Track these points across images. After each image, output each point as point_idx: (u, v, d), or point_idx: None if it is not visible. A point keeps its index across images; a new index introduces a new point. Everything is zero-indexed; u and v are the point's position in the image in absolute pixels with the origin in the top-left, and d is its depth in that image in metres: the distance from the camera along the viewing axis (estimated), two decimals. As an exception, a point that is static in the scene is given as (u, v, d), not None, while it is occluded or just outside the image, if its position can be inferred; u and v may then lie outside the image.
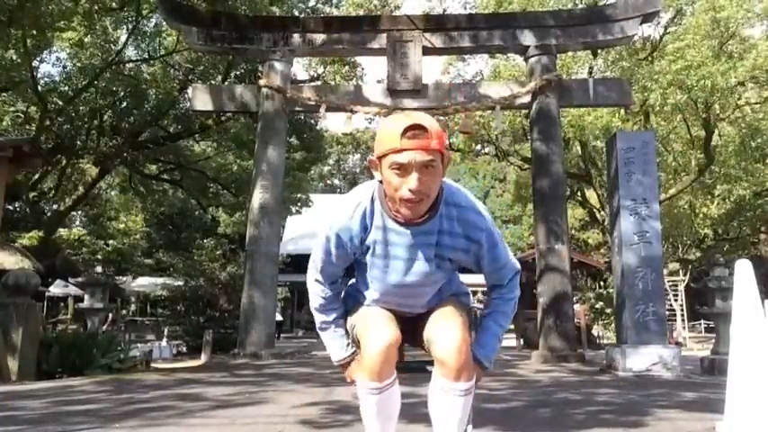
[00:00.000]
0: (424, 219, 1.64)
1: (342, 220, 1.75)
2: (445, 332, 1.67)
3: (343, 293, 1.99)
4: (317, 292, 1.92)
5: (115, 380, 6.52)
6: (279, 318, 17.27)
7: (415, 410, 3.27)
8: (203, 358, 12.43)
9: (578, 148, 18.50)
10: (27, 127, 15.85)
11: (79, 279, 12.86)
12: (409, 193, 1.54)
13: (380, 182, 1.64)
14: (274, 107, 10.04)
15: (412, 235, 1.68)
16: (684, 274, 22.51)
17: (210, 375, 6.71)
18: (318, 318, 1.96)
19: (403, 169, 1.52)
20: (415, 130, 1.50)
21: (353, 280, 2.00)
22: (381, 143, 1.56)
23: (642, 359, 7.13)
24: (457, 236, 1.70)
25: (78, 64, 15.32)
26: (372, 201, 1.70)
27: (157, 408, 4.16)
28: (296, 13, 15.66)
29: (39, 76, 15.30)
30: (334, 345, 1.96)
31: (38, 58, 15.03)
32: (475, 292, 17.40)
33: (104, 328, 10.83)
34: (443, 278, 1.84)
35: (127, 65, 15.89)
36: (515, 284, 1.88)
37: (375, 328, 1.71)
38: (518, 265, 1.89)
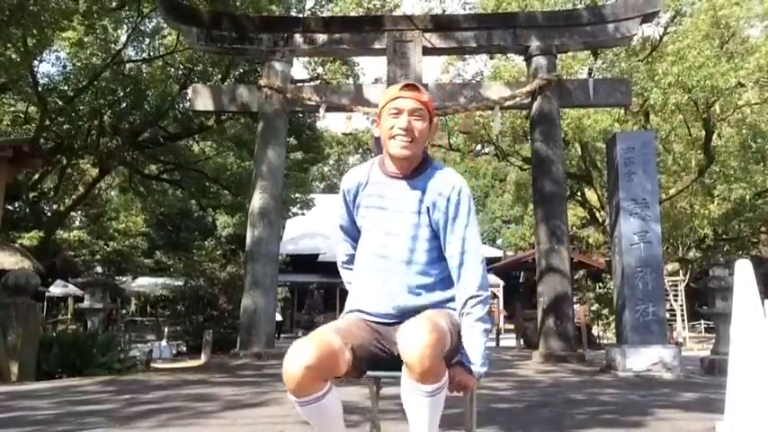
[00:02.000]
0: (412, 174, 1.90)
1: (349, 174, 2.04)
2: (411, 332, 1.62)
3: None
4: (340, 249, 2.15)
5: (117, 380, 6.52)
6: (279, 318, 17.28)
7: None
8: (203, 358, 12.43)
9: (578, 148, 18.51)
10: (27, 127, 15.85)
11: (79, 279, 12.88)
12: (400, 130, 1.83)
13: (379, 142, 1.95)
14: (274, 107, 10.04)
15: (401, 188, 1.90)
16: (684, 274, 22.51)
17: (211, 376, 6.71)
18: (343, 276, 2.16)
19: (398, 112, 1.85)
20: (412, 87, 1.88)
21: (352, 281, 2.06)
22: (384, 99, 1.90)
23: (642, 359, 7.13)
24: (432, 191, 1.88)
25: (78, 64, 15.32)
26: (373, 164, 2.00)
27: (166, 409, 4.16)
28: (296, 13, 15.67)
29: (38, 75, 15.29)
30: None
31: (38, 58, 15.03)
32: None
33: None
34: (425, 250, 1.89)
35: (127, 65, 15.89)
36: (479, 281, 1.85)
37: (305, 340, 1.68)
38: (482, 253, 1.90)
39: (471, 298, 1.84)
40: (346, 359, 1.69)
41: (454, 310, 1.89)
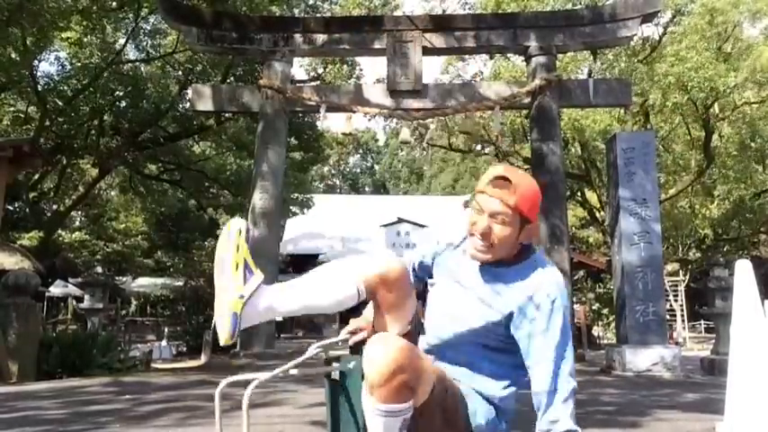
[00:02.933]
0: (499, 264, 1.65)
1: (449, 234, 1.88)
2: (380, 341, 1.48)
3: None
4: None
5: (120, 380, 6.52)
6: (279, 318, 17.25)
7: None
8: (203, 358, 12.44)
9: (578, 148, 18.51)
10: (27, 127, 15.84)
11: (79, 279, 12.88)
12: (477, 234, 1.61)
13: None
14: (274, 107, 10.04)
15: (479, 269, 1.68)
16: (684, 274, 22.51)
17: (213, 376, 6.71)
18: None
19: (479, 210, 1.61)
20: (502, 181, 1.58)
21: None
22: (479, 183, 1.69)
23: (642, 359, 7.14)
24: (521, 292, 1.60)
25: (78, 64, 15.32)
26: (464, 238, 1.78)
27: (173, 409, 4.16)
28: (296, 13, 15.67)
29: (38, 75, 15.30)
30: None
31: (37, 58, 15.03)
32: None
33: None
34: (488, 359, 1.66)
35: (126, 65, 15.89)
36: (560, 408, 1.55)
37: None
38: (574, 382, 1.57)
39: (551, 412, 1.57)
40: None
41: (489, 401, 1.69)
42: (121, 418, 3.72)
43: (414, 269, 1.92)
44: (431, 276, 1.88)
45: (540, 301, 1.57)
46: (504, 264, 1.64)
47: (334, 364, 1.73)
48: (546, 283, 1.59)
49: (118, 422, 3.55)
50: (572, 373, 1.56)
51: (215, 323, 1.60)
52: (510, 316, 1.59)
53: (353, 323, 1.88)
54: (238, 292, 1.60)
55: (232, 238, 1.63)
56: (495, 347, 1.65)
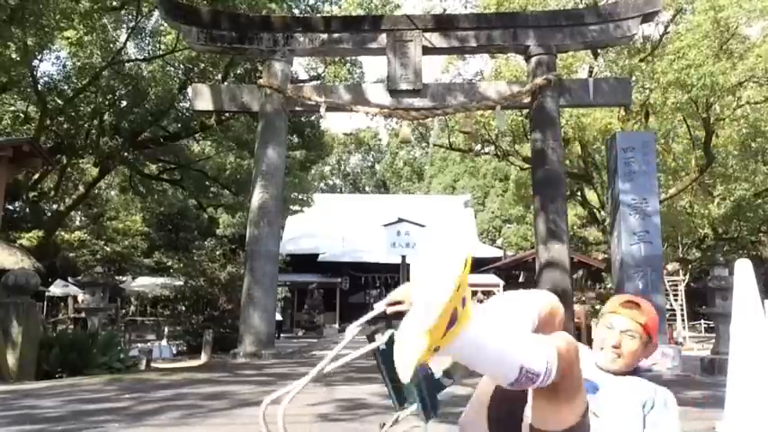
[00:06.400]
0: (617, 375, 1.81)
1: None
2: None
3: None
4: None
5: (121, 379, 6.52)
6: (279, 318, 17.28)
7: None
8: (203, 358, 12.44)
9: (578, 148, 18.51)
10: (27, 126, 15.84)
11: (79, 279, 12.88)
12: (609, 346, 1.79)
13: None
14: (274, 107, 10.04)
15: (606, 381, 1.80)
16: (684, 274, 22.52)
17: (213, 375, 6.71)
18: None
19: (610, 327, 1.82)
20: (633, 304, 1.84)
21: None
22: (606, 307, 1.91)
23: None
24: (638, 390, 1.77)
25: (78, 63, 15.32)
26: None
27: (175, 407, 4.17)
28: (296, 13, 15.66)
29: (39, 75, 15.30)
30: None
31: (38, 58, 15.03)
32: (474, 293, 17.41)
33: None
34: None
35: (127, 64, 15.89)
36: None
37: None
38: None
39: None
40: None
41: None
42: (122, 417, 3.72)
43: None
44: None
45: (665, 398, 1.78)
46: (622, 372, 1.81)
47: (378, 336, 1.62)
48: (661, 390, 1.79)
49: (118, 421, 3.55)
50: None
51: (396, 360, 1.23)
52: (643, 404, 1.75)
53: (394, 295, 1.68)
54: (434, 345, 1.22)
55: (453, 272, 1.16)
56: None
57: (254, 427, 2.04)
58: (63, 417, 3.75)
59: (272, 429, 1.41)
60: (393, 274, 22.48)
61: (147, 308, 26.48)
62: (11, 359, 7.00)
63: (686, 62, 13.47)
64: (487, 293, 18.10)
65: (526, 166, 18.38)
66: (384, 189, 48.84)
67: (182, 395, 4.85)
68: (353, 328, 1.51)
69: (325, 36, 10.27)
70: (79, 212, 22.89)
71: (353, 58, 16.96)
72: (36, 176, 16.20)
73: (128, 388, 5.49)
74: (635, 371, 1.86)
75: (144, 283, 23.83)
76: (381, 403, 4.20)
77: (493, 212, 35.92)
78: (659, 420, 1.76)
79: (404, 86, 9.93)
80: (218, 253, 17.02)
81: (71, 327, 13.70)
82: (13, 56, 12.91)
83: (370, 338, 1.52)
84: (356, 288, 27.00)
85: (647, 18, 10.25)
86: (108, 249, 22.17)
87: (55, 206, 19.53)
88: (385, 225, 18.33)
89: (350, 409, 3.91)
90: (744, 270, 2.87)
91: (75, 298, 17.60)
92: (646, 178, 7.89)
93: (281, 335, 20.39)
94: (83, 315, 11.70)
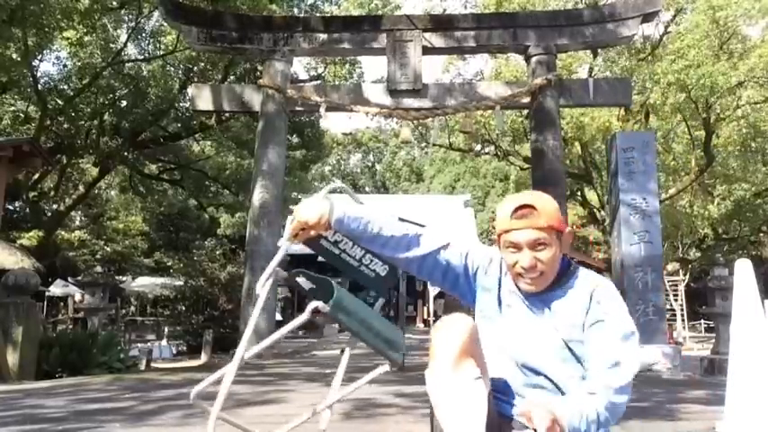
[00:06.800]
0: (546, 289, 1.64)
1: (490, 250, 1.79)
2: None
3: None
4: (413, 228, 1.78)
5: (123, 379, 6.52)
6: (279, 317, 17.27)
7: (419, 410, 3.27)
8: (203, 358, 12.45)
9: (578, 148, 18.51)
10: (27, 126, 15.85)
11: (79, 279, 12.88)
12: (523, 269, 1.59)
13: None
14: (274, 107, 10.04)
15: (532, 302, 1.65)
16: (684, 274, 22.52)
17: (205, 375, 6.71)
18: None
19: (516, 247, 1.59)
20: (524, 209, 1.58)
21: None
22: (497, 224, 1.66)
23: (642, 359, 7.14)
24: (576, 310, 1.60)
25: (78, 63, 15.33)
26: (503, 265, 1.72)
27: (178, 406, 4.15)
28: (296, 13, 15.66)
29: (39, 75, 15.30)
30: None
31: (38, 57, 15.04)
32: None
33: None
34: (567, 373, 1.60)
35: (127, 64, 15.90)
36: (616, 384, 1.52)
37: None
38: (632, 370, 1.58)
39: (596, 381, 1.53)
40: None
41: None
42: (125, 417, 3.72)
43: (465, 258, 1.76)
44: (469, 279, 1.76)
45: (600, 297, 1.60)
46: (553, 286, 1.63)
47: (299, 279, 1.82)
48: (600, 284, 1.64)
49: (121, 420, 3.55)
50: (632, 368, 1.58)
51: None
52: (581, 327, 1.60)
53: (289, 229, 1.84)
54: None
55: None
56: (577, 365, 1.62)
57: (253, 426, 2.04)
58: (66, 417, 3.74)
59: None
60: (393, 274, 22.44)
61: (147, 308, 26.49)
62: (11, 359, 7.00)
63: (686, 62, 13.47)
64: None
65: (526, 166, 18.38)
66: (384, 189, 48.83)
67: (183, 395, 4.85)
68: (267, 276, 1.82)
69: (325, 36, 10.27)
70: (79, 212, 22.89)
71: (353, 58, 16.95)
72: (36, 176, 16.20)
73: (129, 388, 5.49)
74: (563, 265, 1.64)
75: (144, 283, 23.84)
76: (393, 402, 4.21)
77: (493, 212, 35.83)
78: (601, 325, 1.57)
79: (404, 86, 9.93)
80: (218, 253, 17.03)
81: (71, 327, 13.71)
82: (14, 56, 12.91)
83: (292, 279, 1.77)
84: (356, 288, 26.88)
85: (647, 18, 10.24)
86: (108, 249, 22.18)
87: (55, 206, 19.53)
88: (385, 225, 18.39)
89: (363, 408, 3.91)
90: (744, 270, 2.87)
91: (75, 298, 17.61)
92: (646, 178, 7.89)
93: (281, 335, 20.34)
94: (81, 315, 11.72)
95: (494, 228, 1.71)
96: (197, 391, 1.66)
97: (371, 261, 1.97)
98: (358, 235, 1.76)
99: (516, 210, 1.58)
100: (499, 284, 1.72)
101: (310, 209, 1.76)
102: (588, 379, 1.55)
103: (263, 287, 1.75)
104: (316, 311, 1.67)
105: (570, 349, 1.60)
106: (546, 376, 1.61)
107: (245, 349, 1.68)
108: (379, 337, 1.79)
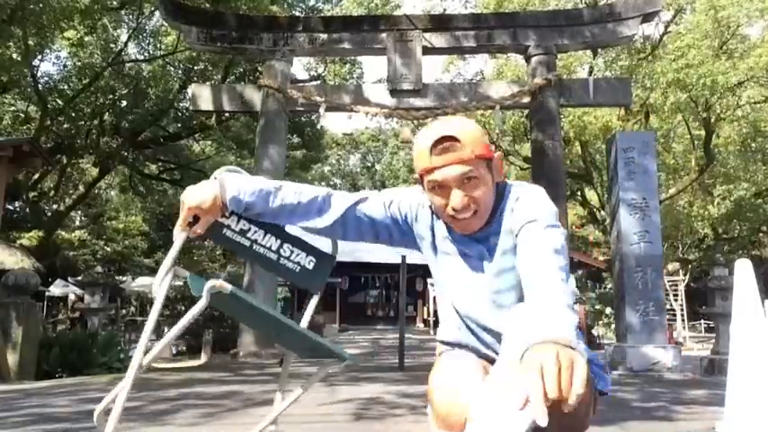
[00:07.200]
0: (481, 228, 1.45)
1: (413, 194, 1.56)
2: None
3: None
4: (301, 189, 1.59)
5: (121, 379, 6.51)
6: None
7: (419, 410, 3.27)
8: (203, 358, 12.45)
9: (578, 147, 18.52)
10: (27, 126, 15.85)
11: (79, 279, 12.89)
12: (454, 212, 1.39)
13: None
14: (274, 107, 10.04)
15: (467, 246, 1.48)
16: (684, 274, 22.52)
17: (214, 375, 6.72)
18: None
19: (441, 188, 1.38)
20: (444, 142, 1.35)
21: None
22: (416, 162, 1.43)
23: (642, 359, 7.14)
24: (507, 234, 1.43)
25: (78, 63, 15.34)
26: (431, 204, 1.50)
27: (186, 406, 4.17)
28: (296, 13, 15.67)
29: (39, 75, 15.31)
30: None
31: (38, 57, 15.05)
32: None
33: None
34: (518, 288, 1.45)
35: (127, 64, 15.91)
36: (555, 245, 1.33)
37: (450, 365, 1.40)
38: (562, 233, 1.40)
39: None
40: None
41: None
42: (135, 417, 3.71)
43: (388, 208, 1.58)
44: (402, 229, 1.58)
45: (517, 205, 1.42)
46: (489, 221, 1.44)
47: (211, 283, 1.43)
48: (521, 194, 1.44)
49: (132, 420, 3.55)
50: (567, 271, 1.30)
51: None
52: (513, 250, 1.41)
53: (183, 215, 1.55)
54: None
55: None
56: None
57: (253, 426, 2.04)
58: (72, 416, 3.74)
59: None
60: (393, 274, 22.47)
61: (147, 308, 26.48)
62: (11, 359, 7.01)
63: (686, 62, 13.48)
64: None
65: (526, 166, 18.38)
66: (384, 189, 48.87)
67: (189, 395, 4.86)
68: (164, 272, 1.55)
69: (325, 36, 10.27)
70: (79, 212, 22.90)
71: (354, 57, 16.96)
72: (36, 176, 16.20)
73: (137, 387, 5.49)
74: (496, 195, 1.44)
75: (144, 283, 23.80)
76: (393, 402, 4.21)
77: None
78: (524, 225, 1.37)
79: (404, 86, 9.93)
80: (218, 253, 17.04)
81: (69, 327, 13.71)
82: (14, 56, 12.91)
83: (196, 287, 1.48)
84: (356, 288, 27.00)
85: (647, 18, 10.24)
86: (108, 249, 22.18)
87: (55, 206, 19.54)
88: (385, 225, 18.41)
89: (364, 408, 3.91)
90: (744, 270, 2.87)
91: (78, 298, 17.61)
92: (646, 178, 7.89)
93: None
94: (77, 315, 11.71)
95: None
96: (100, 411, 1.54)
97: (292, 253, 1.71)
98: (260, 210, 1.56)
99: (436, 144, 1.35)
100: (432, 231, 1.53)
101: (199, 191, 1.54)
102: (533, 283, 1.27)
103: (160, 285, 1.54)
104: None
105: (508, 272, 1.42)
106: (485, 328, 1.46)
107: (141, 356, 1.48)
108: (295, 332, 1.60)
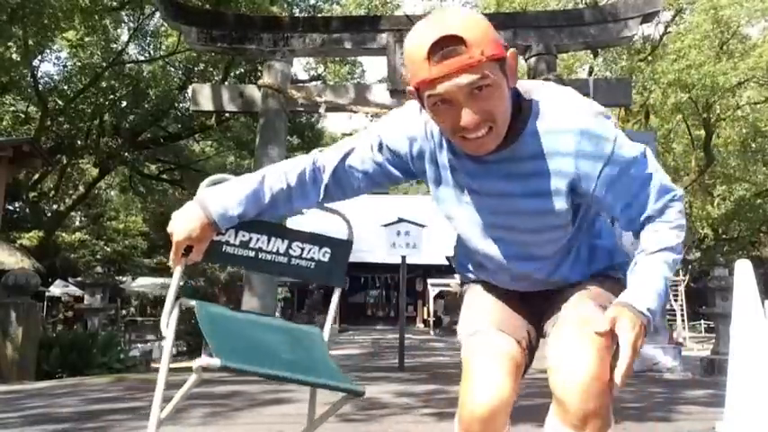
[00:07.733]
0: (502, 145, 1.18)
1: (404, 118, 1.33)
2: (570, 358, 1.16)
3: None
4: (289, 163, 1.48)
5: (126, 379, 6.51)
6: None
7: (419, 410, 3.27)
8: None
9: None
10: (27, 127, 15.86)
11: (79, 279, 12.88)
12: (464, 131, 1.12)
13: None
14: (274, 107, 10.04)
15: (489, 165, 1.22)
16: (684, 274, 22.52)
17: (215, 375, 6.70)
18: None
19: (445, 103, 1.10)
20: (445, 45, 1.06)
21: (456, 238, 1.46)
22: (410, 70, 1.16)
23: (642, 359, 7.13)
24: (558, 155, 1.19)
25: (79, 63, 15.35)
26: (439, 134, 1.26)
27: (192, 405, 4.15)
28: (296, 13, 15.67)
29: (39, 75, 15.33)
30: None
31: (38, 58, 15.06)
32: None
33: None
34: (559, 231, 1.29)
35: (127, 65, 15.92)
36: (675, 213, 1.28)
37: (480, 372, 1.26)
38: (677, 191, 1.29)
39: (653, 221, 1.32)
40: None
41: (623, 267, 1.46)
42: (142, 417, 3.71)
43: (378, 149, 1.36)
44: (401, 167, 1.37)
45: (596, 133, 1.20)
46: (509, 138, 1.17)
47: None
48: (562, 123, 1.19)
49: (138, 419, 3.55)
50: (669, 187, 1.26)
51: None
52: (573, 178, 1.21)
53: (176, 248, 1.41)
54: None
55: None
56: (566, 228, 1.31)
57: (254, 427, 2.04)
58: (77, 417, 3.74)
59: None
60: (393, 275, 22.47)
61: (147, 308, 26.48)
62: (11, 359, 7.00)
63: (686, 62, 13.50)
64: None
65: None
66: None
67: (193, 394, 4.85)
68: (169, 310, 1.48)
69: (325, 36, 10.27)
70: (79, 212, 22.90)
71: (354, 57, 16.96)
72: (36, 176, 16.21)
73: (135, 388, 5.48)
74: (516, 101, 1.20)
75: (144, 284, 23.83)
76: (393, 402, 4.21)
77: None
78: (613, 171, 1.23)
79: (405, 86, 9.93)
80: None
81: (65, 328, 13.71)
82: (14, 56, 12.92)
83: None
84: (356, 288, 27.01)
85: (647, 18, 10.24)
86: (108, 249, 22.18)
87: (55, 206, 19.54)
88: (385, 225, 18.31)
89: (364, 408, 3.91)
90: (744, 270, 2.87)
91: (75, 298, 17.61)
92: (646, 178, 7.90)
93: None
94: (71, 314, 11.71)
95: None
96: None
97: (303, 249, 1.57)
98: (256, 213, 1.41)
99: (434, 48, 1.06)
100: (435, 162, 1.30)
101: (184, 221, 1.38)
102: (631, 229, 1.30)
103: (168, 327, 1.46)
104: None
105: (549, 197, 1.22)
106: (502, 266, 1.34)
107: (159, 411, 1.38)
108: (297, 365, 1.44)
